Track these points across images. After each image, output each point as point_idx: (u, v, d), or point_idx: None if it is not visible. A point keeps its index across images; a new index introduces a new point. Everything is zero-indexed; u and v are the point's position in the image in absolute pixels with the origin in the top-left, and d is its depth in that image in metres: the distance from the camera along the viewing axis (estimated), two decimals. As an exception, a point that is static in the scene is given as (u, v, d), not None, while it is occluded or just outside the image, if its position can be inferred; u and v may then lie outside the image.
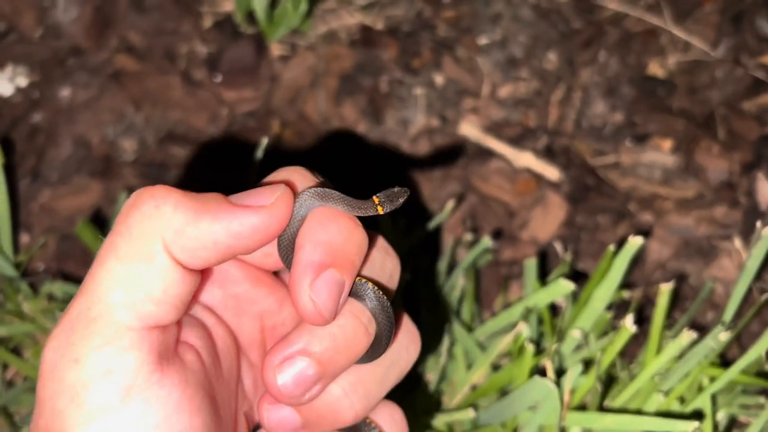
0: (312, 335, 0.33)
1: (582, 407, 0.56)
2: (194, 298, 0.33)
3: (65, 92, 0.79)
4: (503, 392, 0.58)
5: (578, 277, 0.67)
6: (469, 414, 0.54)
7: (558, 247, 0.69)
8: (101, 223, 0.70)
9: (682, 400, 0.58)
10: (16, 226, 0.71)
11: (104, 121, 0.78)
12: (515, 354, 0.59)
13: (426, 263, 0.62)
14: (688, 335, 0.54)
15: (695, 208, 0.73)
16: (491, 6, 0.82)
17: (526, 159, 0.75)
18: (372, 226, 0.54)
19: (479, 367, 0.58)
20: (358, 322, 0.33)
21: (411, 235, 0.63)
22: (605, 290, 0.57)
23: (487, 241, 0.60)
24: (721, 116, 0.77)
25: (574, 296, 0.64)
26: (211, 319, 0.35)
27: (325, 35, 0.81)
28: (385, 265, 0.36)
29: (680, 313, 0.68)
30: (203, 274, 0.33)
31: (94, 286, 0.30)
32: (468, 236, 0.67)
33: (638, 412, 0.54)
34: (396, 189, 0.35)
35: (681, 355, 0.56)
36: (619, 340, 0.54)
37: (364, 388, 0.35)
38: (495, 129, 0.77)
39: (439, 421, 0.55)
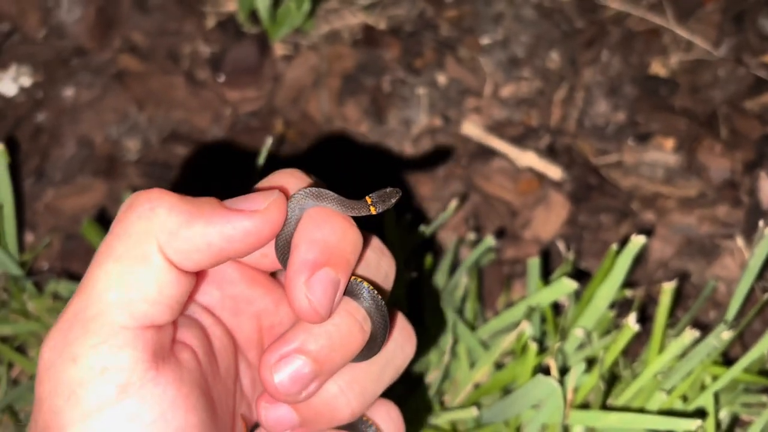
0: (308, 334, 0.33)
1: (585, 406, 0.56)
2: (190, 298, 0.34)
3: (69, 92, 0.79)
4: (506, 391, 0.58)
5: (581, 275, 0.67)
6: (472, 412, 0.54)
7: (561, 246, 0.69)
8: (106, 222, 0.71)
9: (684, 398, 0.58)
10: (21, 225, 0.71)
11: (108, 121, 0.78)
12: (518, 353, 0.59)
13: (429, 262, 0.63)
14: (690, 334, 0.54)
15: (697, 207, 0.73)
16: (493, 6, 0.82)
17: (528, 158, 0.75)
18: (375, 226, 0.54)
19: (482, 366, 0.58)
20: (353, 321, 0.34)
21: (414, 234, 0.64)
22: (608, 289, 0.57)
23: (490, 240, 0.61)
24: (724, 115, 0.77)
25: (577, 295, 0.64)
26: (208, 319, 0.35)
27: (328, 35, 0.81)
28: (381, 265, 0.37)
29: (683, 311, 0.69)
30: (198, 276, 0.34)
31: (91, 286, 0.31)
32: (471, 235, 0.67)
33: (641, 410, 0.55)
34: (388, 189, 0.36)
35: (683, 354, 0.56)
36: (622, 339, 0.54)
37: (360, 386, 0.36)
38: (497, 128, 0.77)
39: (442, 419, 0.55)
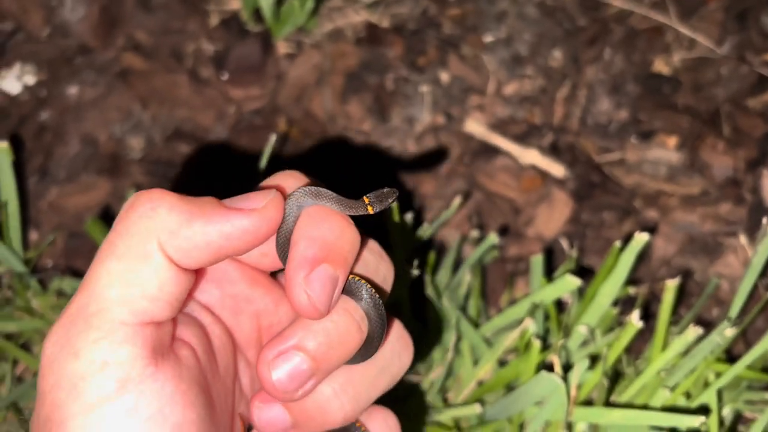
0: (306, 331, 0.34)
1: (588, 402, 0.56)
2: (189, 296, 0.35)
3: (72, 91, 0.79)
4: (509, 388, 0.58)
5: (584, 273, 0.67)
6: (476, 409, 0.54)
7: (564, 243, 0.69)
8: (109, 220, 0.71)
9: (688, 395, 0.58)
10: (25, 223, 0.71)
11: (111, 119, 0.78)
12: (522, 350, 0.59)
13: (432, 260, 0.63)
14: (693, 331, 0.54)
15: (700, 204, 0.73)
16: (496, 4, 0.82)
17: (531, 156, 0.75)
18: (377, 225, 0.55)
19: (485, 363, 0.58)
20: (351, 319, 0.34)
21: (417, 232, 0.64)
22: (611, 286, 0.57)
23: (493, 238, 0.61)
24: (726, 113, 0.77)
25: (580, 292, 0.64)
26: (208, 318, 0.36)
27: (331, 33, 0.81)
28: (379, 268, 0.38)
29: (686, 309, 0.69)
30: (198, 274, 0.35)
31: (93, 283, 0.31)
32: (474, 233, 0.67)
33: (644, 407, 0.55)
34: (385, 190, 0.37)
35: (687, 351, 0.56)
36: (626, 336, 0.54)
37: (354, 389, 0.36)
38: (500, 126, 0.77)
39: (446, 416, 0.56)
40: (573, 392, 0.53)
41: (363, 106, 0.78)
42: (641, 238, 0.56)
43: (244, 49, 0.80)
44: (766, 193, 0.73)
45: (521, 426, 0.56)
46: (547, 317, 0.62)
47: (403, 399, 0.58)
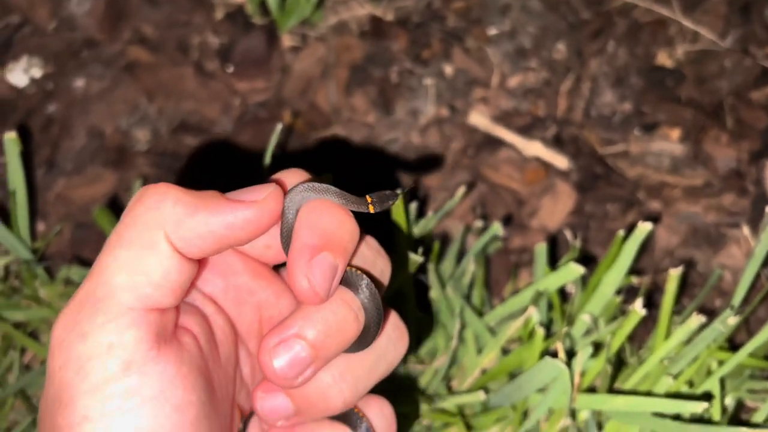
0: (306, 320, 0.35)
1: (592, 390, 0.56)
2: (192, 286, 0.36)
3: (79, 83, 0.80)
4: (513, 376, 0.58)
5: (587, 263, 0.68)
6: (480, 396, 0.55)
7: (568, 234, 0.70)
8: (116, 210, 0.72)
9: (690, 384, 0.58)
10: (33, 214, 0.72)
11: (118, 112, 0.79)
12: (525, 339, 0.59)
13: (436, 249, 0.63)
14: (696, 319, 0.54)
15: (703, 196, 0.73)
16: (500, -3, 0.82)
17: (535, 148, 0.76)
18: (380, 219, 0.55)
19: (490, 352, 0.59)
20: (349, 309, 0.36)
21: (421, 222, 0.64)
22: (615, 275, 0.57)
23: (497, 227, 0.61)
24: (730, 106, 0.77)
25: (584, 282, 0.64)
26: (211, 308, 0.38)
27: (336, 26, 0.82)
28: (377, 263, 0.39)
29: (689, 300, 0.69)
30: (201, 265, 0.36)
31: (101, 270, 0.33)
32: (478, 223, 0.68)
33: (648, 394, 0.55)
34: (388, 192, 0.38)
35: (689, 340, 0.57)
36: (629, 324, 0.55)
37: (353, 376, 0.37)
38: (504, 118, 0.78)
39: (449, 402, 0.56)
40: (576, 379, 0.53)
41: (367, 98, 0.79)
42: (645, 227, 0.56)
43: (249, 42, 0.80)
44: (769, 184, 0.73)
45: (525, 413, 0.57)
46: (550, 307, 0.62)
47: (397, 391, 0.58)
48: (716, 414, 0.56)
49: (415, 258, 0.51)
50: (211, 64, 0.80)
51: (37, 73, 0.81)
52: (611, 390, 0.57)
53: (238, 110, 0.79)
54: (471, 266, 0.62)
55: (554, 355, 0.54)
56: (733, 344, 0.64)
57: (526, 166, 0.75)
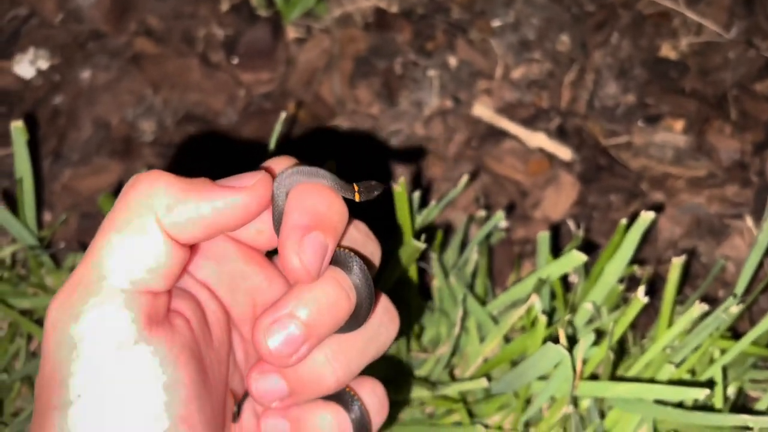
0: (298, 300, 0.36)
1: (594, 377, 0.57)
2: (183, 271, 0.37)
3: (85, 75, 0.80)
4: (515, 364, 0.59)
5: (590, 253, 0.68)
6: (483, 383, 0.55)
7: (571, 224, 0.70)
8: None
9: (693, 373, 0.58)
10: (39, 205, 0.72)
11: (124, 103, 0.79)
12: (528, 328, 0.60)
13: (439, 238, 0.63)
14: (699, 307, 0.54)
15: (707, 187, 0.73)
16: (504, -11, 0.83)
17: (538, 139, 0.76)
18: (386, 207, 0.55)
19: (492, 340, 0.59)
20: (340, 289, 0.37)
21: (425, 211, 0.64)
22: (618, 263, 0.57)
23: (500, 216, 0.61)
24: (734, 97, 0.77)
25: (586, 272, 0.64)
26: (204, 293, 0.38)
27: (340, 18, 0.82)
28: (367, 246, 0.40)
29: (691, 290, 0.69)
30: (192, 250, 0.37)
31: (94, 254, 0.34)
32: (481, 212, 0.68)
33: (650, 382, 0.55)
34: (374, 183, 0.39)
35: (692, 329, 0.57)
36: (631, 312, 0.55)
37: (345, 356, 0.38)
38: (508, 110, 0.78)
39: (452, 389, 0.56)
40: (579, 366, 0.54)
41: (371, 90, 0.79)
42: (647, 215, 0.57)
43: (254, 33, 0.81)
44: (772, 175, 0.73)
45: (527, 401, 0.57)
46: (553, 296, 0.62)
47: (393, 380, 0.59)
48: (718, 402, 0.56)
49: (418, 244, 0.52)
50: (217, 56, 0.81)
51: (43, 64, 0.81)
52: (613, 378, 0.57)
53: (243, 101, 0.79)
54: (474, 255, 0.63)
55: (556, 342, 0.54)
56: (735, 334, 0.64)
57: (529, 157, 0.75)
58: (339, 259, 0.37)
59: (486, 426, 0.56)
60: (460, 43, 0.80)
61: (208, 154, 0.77)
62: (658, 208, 0.73)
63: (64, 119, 0.79)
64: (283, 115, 0.63)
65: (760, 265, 0.63)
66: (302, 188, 0.37)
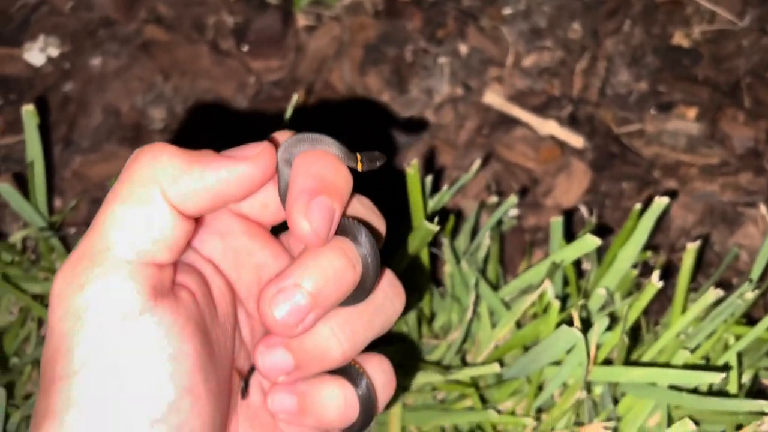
0: (304, 269, 0.36)
1: (608, 362, 0.56)
2: (189, 244, 0.37)
3: (96, 62, 0.80)
4: (528, 350, 0.58)
5: (603, 239, 0.67)
6: (495, 368, 0.54)
7: (583, 210, 0.69)
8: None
9: (707, 359, 0.58)
10: (50, 191, 0.72)
11: (134, 90, 0.79)
12: (541, 314, 0.59)
13: (451, 224, 0.63)
14: (714, 293, 0.54)
15: (720, 175, 0.73)
16: (516, -23, 0.82)
17: (550, 127, 0.75)
18: (397, 190, 0.55)
19: (504, 326, 0.59)
20: (346, 258, 0.36)
21: (436, 196, 0.64)
22: (631, 248, 0.57)
23: (513, 199, 0.61)
24: (747, 85, 0.77)
25: (599, 258, 0.64)
26: (209, 269, 0.38)
27: (350, 6, 0.82)
28: (372, 219, 0.40)
29: (704, 279, 0.68)
30: (198, 224, 0.37)
31: (99, 225, 0.34)
32: (493, 198, 0.68)
33: (666, 366, 0.55)
34: (377, 153, 0.39)
35: (706, 315, 0.56)
36: (645, 297, 0.54)
37: (351, 329, 0.38)
38: (519, 98, 0.77)
39: (463, 374, 0.56)
40: (592, 351, 0.53)
41: (382, 77, 0.79)
42: (661, 201, 0.56)
43: (264, 21, 0.80)
44: (786, 163, 0.72)
45: (540, 386, 0.57)
46: (566, 283, 0.62)
47: (403, 364, 0.58)
48: (733, 388, 0.55)
49: (431, 227, 0.51)
50: (227, 43, 0.81)
51: (54, 52, 0.81)
52: (627, 364, 0.56)
53: (253, 89, 0.79)
54: (486, 241, 0.62)
55: (570, 326, 0.54)
56: (750, 321, 0.63)
57: (541, 144, 0.75)
58: (343, 227, 0.37)
59: (498, 411, 0.55)
60: (471, 30, 0.80)
61: (217, 141, 0.77)
62: (671, 195, 0.72)
63: (74, 106, 0.79)
64: (295, 97, 0.63)
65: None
66: (307, 155, 0.37)
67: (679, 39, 0.80)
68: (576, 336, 0.50)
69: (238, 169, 0.35)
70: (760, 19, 0.79)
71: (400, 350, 0.59)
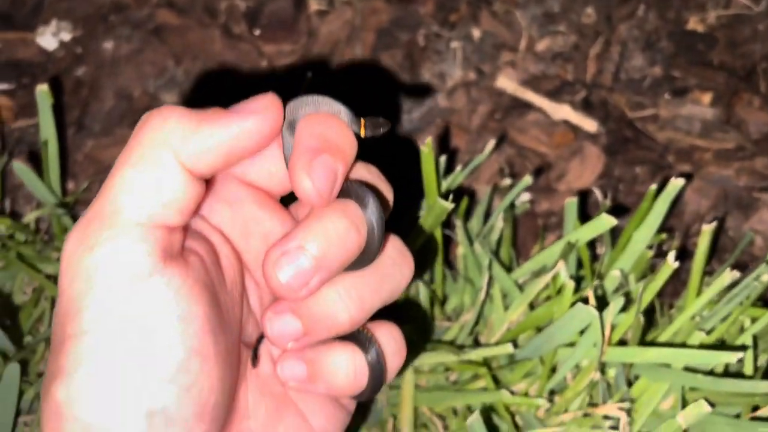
0: (308, 232, 0.36)
1: (622, 344, 0.56)
2: (198, 208, 0.37)
3: (108, 46, 0.81)
4: (541, 331, 0.58)
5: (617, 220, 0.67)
6: (508, 348, 0.54)
7: (597, 192, 0.69)
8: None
9: (722, 342, 0.58)
10: (63, 174, 0.72)
11: (146, 74, 0.79)
12: (554, 297, 0.59)
13: (465, 206, 0.63)
14: (730, 274, 0.53)
15: (735, 159, 0.72)
16: (529, -39, 0.82)
17: (563, 111, 0.75)
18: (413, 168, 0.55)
19: (518, 307, 0.58)
20: (350, 221, 0.36)
21: (450, 177, 0.64)
22: (646, 230, 0.57)
23: (528, 180, 0.61)
24: (763, 70, 0.76)
25: (613, 242, 0.63)
26: (218, 237, 0.38)
27: (363, -10, 0.82)
28: (379, 185, 0.40)
29: (719, 264, 0.68)
30: (207, 187, 0.37)
31: (109, 189, 0.34)
32: (507, 181, 0.67)
33: (682, 346, 0.54)
34: (381, 119, 0.38)
35: (720, 299, 0.56)
36: (661, 277, 0.54)
37: (357, 293, 0.38)
38: (532, 82, 0.77)
39: (476, 355, 0.56)
40: (607, 332, 0.53)
41: (394, 62, 0.78)
42: (677, 182, 0.56)
43: (276, 5, 0.80)
44: (803, 148, 0.72)
45: (553, 368, 0.56)
46: (580, 266, 0.62)
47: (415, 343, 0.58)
48: (748, 370, 0.55)
49: (445, 204, 0.51)
50: (239, 27, 0.81)
51: (66, 36, 0.81)
52: (642, 344, 0.56)
53: (265, 73, 0.79)
54: (499, 223, 0.62)
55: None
56: (766, 304, 0.63)
57: (554, 129, 0.75)
58: (350, 191, 0.37)
59: (511, 392, 0.55)
60: (483, 14, 0.80)
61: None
62: (686, 179, 0.71)
63: (86, 90, 0.79)
64: (309, 75, 0.63)
65: (792, 235, 0.62)
66: (311, 117, 0.37)
67: (694, 24, 0.79)
68: (591, 314, 0.50)
69: (247, 123, 0.35)
70: (776, 3, 0.79)
71: (412, 330, 0.59)
